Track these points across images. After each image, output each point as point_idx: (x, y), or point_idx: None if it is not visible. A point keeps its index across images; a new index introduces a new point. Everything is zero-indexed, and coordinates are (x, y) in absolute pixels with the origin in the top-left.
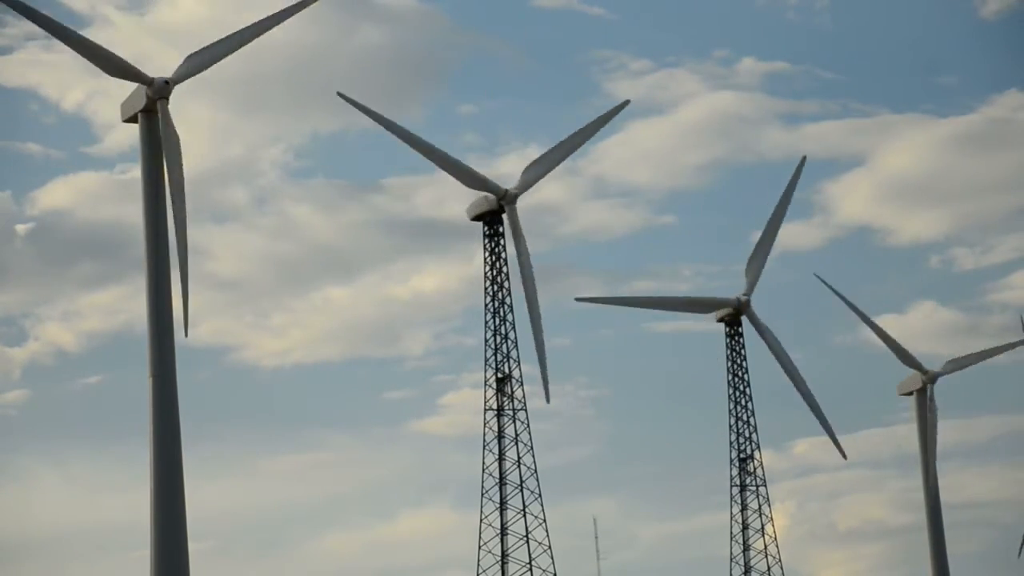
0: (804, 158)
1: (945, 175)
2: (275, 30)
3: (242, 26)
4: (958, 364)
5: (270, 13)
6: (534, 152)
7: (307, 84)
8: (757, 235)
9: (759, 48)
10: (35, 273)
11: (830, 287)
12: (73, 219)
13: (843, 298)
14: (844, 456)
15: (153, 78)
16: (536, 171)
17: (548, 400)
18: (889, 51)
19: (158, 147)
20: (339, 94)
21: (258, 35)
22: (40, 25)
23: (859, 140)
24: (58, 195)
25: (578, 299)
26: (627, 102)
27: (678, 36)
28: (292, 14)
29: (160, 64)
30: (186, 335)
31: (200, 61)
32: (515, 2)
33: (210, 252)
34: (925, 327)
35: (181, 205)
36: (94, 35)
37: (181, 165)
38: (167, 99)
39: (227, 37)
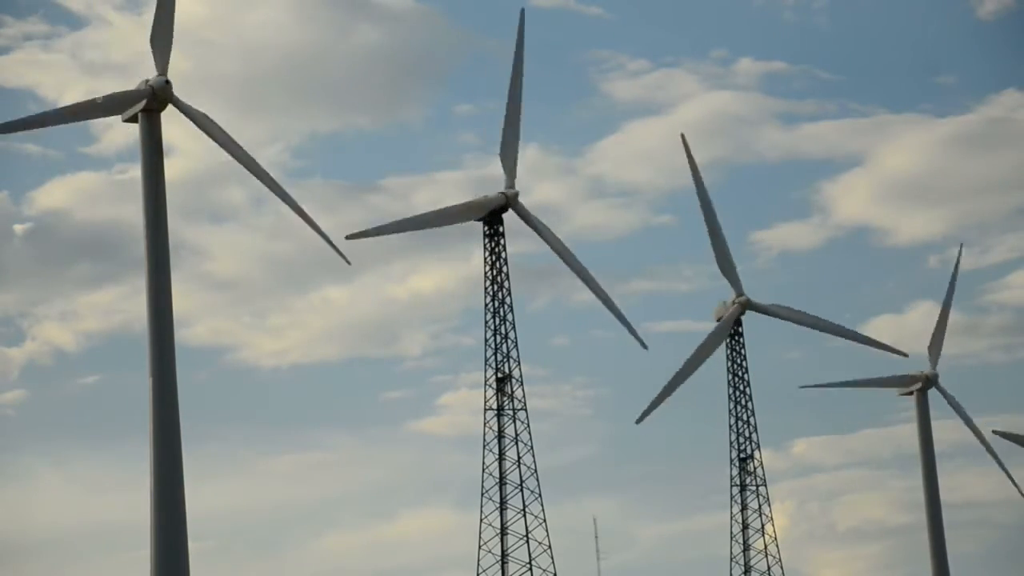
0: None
1: (943, 175)
2: (272, 31)
3: (248, 29)
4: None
5: (269, 14)
6: (532, 152)
7: (305, 84)
8: (756, 235)
9: (757, 48)
10: (33, 273)
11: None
12: (71, 219)
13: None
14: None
15: (151, 81)
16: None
17: (645, 346)
18: (887, 51)
19: (158, 146)
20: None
21: None
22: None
23: (857, 140)
24: (56, 195)
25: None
26: None
27: (676, 36)
28: None
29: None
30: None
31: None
32: (512, 1)
33: (208, 252)
34: (924, 327)
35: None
36: (92, 35)
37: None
38: (169, 99)
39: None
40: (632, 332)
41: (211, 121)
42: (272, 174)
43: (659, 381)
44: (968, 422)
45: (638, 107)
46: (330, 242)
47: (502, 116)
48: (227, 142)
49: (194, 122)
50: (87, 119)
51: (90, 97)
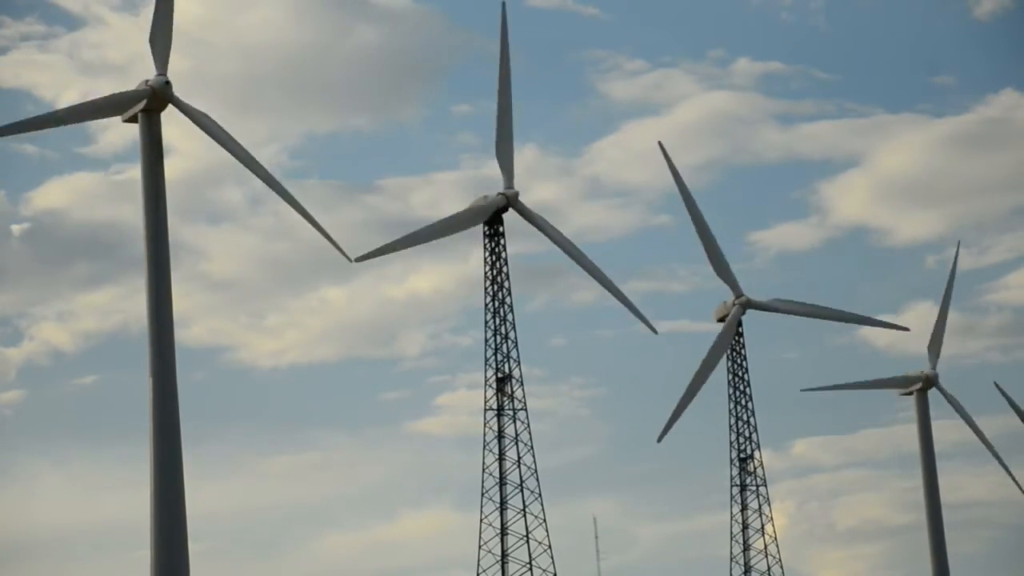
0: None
1: (941, 175)
2: (270, 31)
3: (245, 29)
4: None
5: (267, 14)
6: (530, 152)
7: (303, 85)
8: (754, 235)
9: (754, 48)
10: (30, 273)
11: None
12: (68, 219)
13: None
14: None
15: (152, 81)
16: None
17: (655, 330)
18: (884, 51)
19: (158, 146)
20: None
21: None
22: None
23: (855, 140)
24: (53, 195)
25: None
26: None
27: (673, 36)
28: None
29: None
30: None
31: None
32: (511, 2)
33: (205, 252)
34: (922, 327)
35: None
36: (89, 35)
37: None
38: (169, 99)
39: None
40: (642, 319)
41: (211, 120)
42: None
43: (658, 381)
44: (969, 422)
45: (636, 107)
46: (330, 239)
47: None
48: (227, 140)
49: (194, 121)
50: (89, 119)
51: (87, 98)
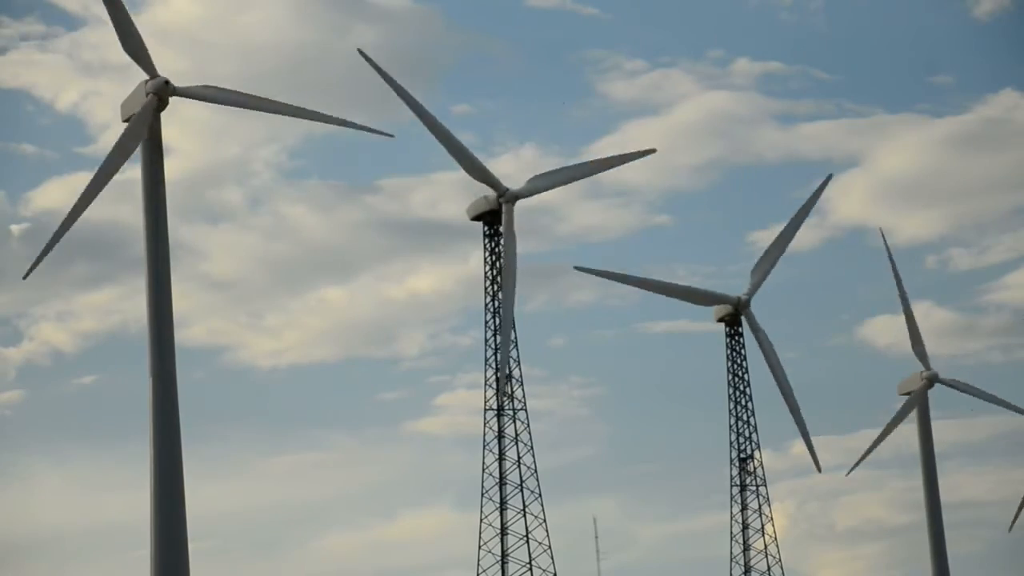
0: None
1: (941, 175)
2: (269, 30)
3: (244, 29)
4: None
5: (266, 14)
6: (529, 152)
7: (302, 84)
8: (753, 235)
9: (753, 48)
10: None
11: None
12: None
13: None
14: (819, 469)
15: (163, 78)
16: (544, 182)
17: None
18: (884, 51)
19: (158, 147)
20: (360, 52)
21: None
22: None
23: (854, 140)
24: (53, 195)
25: (577, 268)
26: (653, 150)
27: (672, 36)
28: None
29: (156, 64)
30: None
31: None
32: (510, 2)
33: (204, 252)
34: (921, 327)
35: None
36: (88, 35)
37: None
38: (168, 100)
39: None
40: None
41: (217, 89)
42: (268, 175)
43: (658, 381)
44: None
45: (635, 107)
46: (367, 128)
47: (500, 117)
48: (240, 98)
49: (202, 99)
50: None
51: (86, 98)
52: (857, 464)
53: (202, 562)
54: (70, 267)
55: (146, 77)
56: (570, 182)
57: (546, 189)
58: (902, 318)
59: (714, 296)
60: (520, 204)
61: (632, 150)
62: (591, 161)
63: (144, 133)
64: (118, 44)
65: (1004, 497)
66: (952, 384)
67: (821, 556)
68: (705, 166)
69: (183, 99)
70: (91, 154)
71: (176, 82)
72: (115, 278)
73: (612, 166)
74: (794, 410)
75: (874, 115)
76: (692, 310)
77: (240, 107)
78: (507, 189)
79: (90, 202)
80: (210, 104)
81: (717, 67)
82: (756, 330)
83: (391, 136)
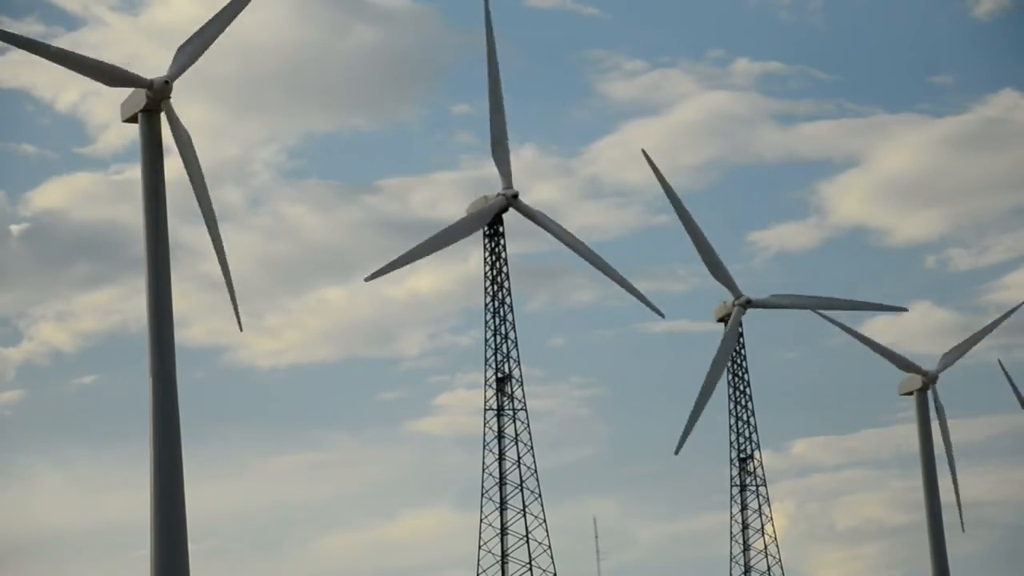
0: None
1: (940, 175)
2: (269, 30)
3: (243, 29)
4: (948, 360)
5: (265, 14)
6: (529, 152)
7: (302, 85)
8: (753, 235)
9: (753, 48)
10: (30, 273)
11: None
12: (68, 220)
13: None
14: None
15: (152, 79)
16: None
17: (662, 314)
18: (883, 51)
19: (158, 147)
20: (643, 152)
21: (237, 12)
22: (26, 48)
23: (854, 140)
24: (52, 196)
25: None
26: None
27: (672, 36)
28: None
29: (154, 64)
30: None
31: (191, 51)
32: (509, 2)
33: (204, 252)
34: (921, 328)
35: (208, 201)
36: (88, 36)
37: (198, 161)
38: (169, 99)
39: (207, 23)
40: (649, 304)
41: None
42: (268, 175)
43: (658, 381)
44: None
45: (635, 107)
46: None
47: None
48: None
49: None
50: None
51: (86, 99)
52: None
53: (202, 562)
54: (70, 267)
55: (149, 75)
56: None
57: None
58: (900, 319)
59: (729, 280)
60: (523, 202)
61: (632, 151)
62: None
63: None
64: (118, 44)
65: (1004, 497)
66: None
67: (821, 556)
68: (705, 166)
69: (182, 100)
70: (90, 154)
71: (177, 82)
72: (115, 278)
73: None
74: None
75: (874, 115)
76: (692, 310)
77: (212, 42)
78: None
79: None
80: (210, 105)
81: (717, 67)
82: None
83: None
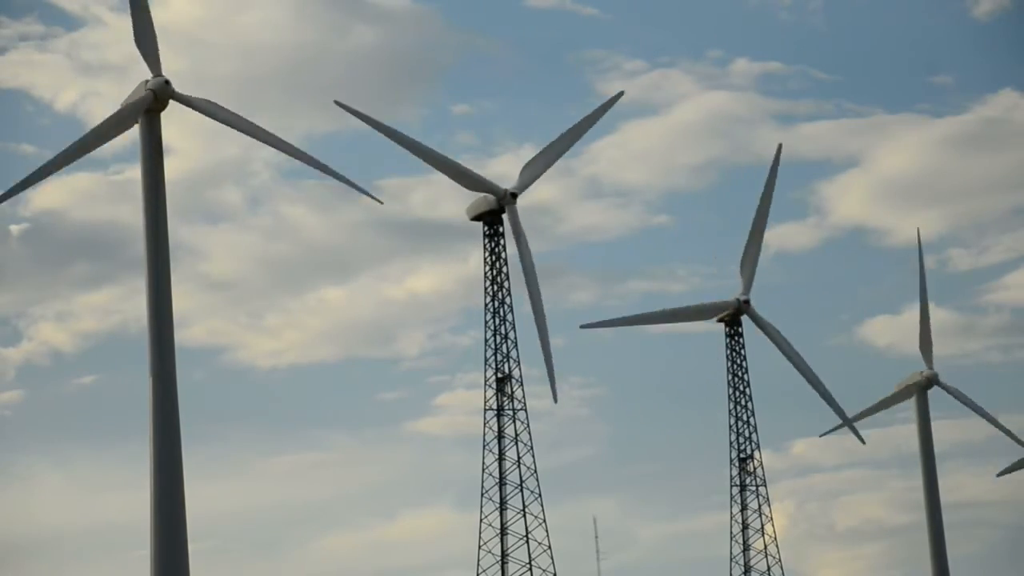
0: (780, 146)
1: (940, 175)
2: (268, 31)
3: (243, 29)
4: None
5: (265, 14)
6: (528, 152)
7: (301, 85)
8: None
9: (753, 48)
10: (29, 273)
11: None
12: (67, 220)
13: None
14: (863, 441)
15: (163, 78)
16: (533, 170)
17: (556, 400)
18: (883, 51)
19: (158, 147)
20: (336, 102)
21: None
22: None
23: (853, 140)
24: (52, 196)
25: (583, 327)
26: (621, 93)
27: (672, 36)
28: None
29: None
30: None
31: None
32: (509, 2)
33: (204, 253)
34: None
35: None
36: (88, 36)
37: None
38: (167, 102)
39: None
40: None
41: (216, 105)
42: (268, 175)
43: (658, 381)
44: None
45: (634, 107)
46: (360, 189)
47: (499, 117)
48: (236, 120)
49: (199, 111)
50: (100, 143)
51: (85, 99)
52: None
53: (202, 562)
54: (70, 267)
55: (148, 76)
56: (558, 157)
57: (537, 176)
58: (899, 319)
59: (714, 307)
60: (520, 205)
61: (632, 151)
62: (569, 130)
63: (134, 121)
64: (117, 44)
65: (1004, 497)
66: (950, 391)
67: (821, 556)
68: (705, 166)
69: (183, 96)
70: (90, 154)
71: (175, 82)
72: (114, 278)
73: (584, 131)
74: (820, 391)
75: (874, 115)
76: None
77: (229, 126)
78: (505, 191)
79: (67, 163)
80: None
81: (716, 67)
82: (764, 326)
83: (380, 202)
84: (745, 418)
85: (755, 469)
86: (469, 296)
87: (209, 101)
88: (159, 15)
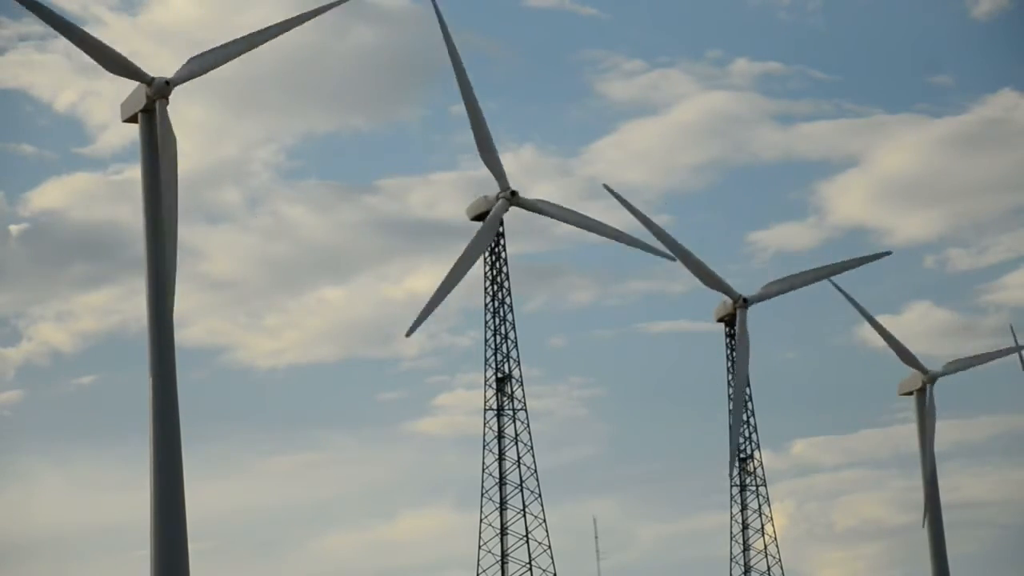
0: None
1: (940, 175)
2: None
3: (243, 30)
4: (958, 365)
5: (265, 14)
6: (528, 152)
7: (301, 85)
8: (753, 235)
9: (752, 48)
10: (29, 274)
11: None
12: (67, 220)
13: (848, 297)
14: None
15: (153, 77)
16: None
17: (408, 334)
18: (883, 51)
19: (158, 147)
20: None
21: (265, 40)
22: (43, 18)
23: (853, 140)
24: (52, 196)
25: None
26: None
27: (671, 36)
28: (305, 20)
29: (153, 64)
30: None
31: (202, 63)
32: (509, 2)
33: (203, 253)
34: (920, 328)
35: (173, 204)
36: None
37: (176, 166)
38: (167, 99)
39: (232, 41)
40: (662, 253)
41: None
42: (267, 175)
43: (658, 381)
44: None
45: (634, 107)
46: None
47: (499, 117)
48: (225, 53)
49: (197, 75)
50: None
51: (85, 99)
52: None
53: (202, 562)
54: (69, 267)
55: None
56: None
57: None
58: (899, 319)
59: (722, 284)
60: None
61: (631, 151)
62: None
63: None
64: (117, 44)
65: (1004, 497)
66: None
67: (821, 556)
68: (704, 166)
69: (181, 99)
70: (90, 154)
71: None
72: (114, 278)
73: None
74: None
75: (873, 115)
76: (692, 310)
77: (227, 61)
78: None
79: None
80: (209, 105)
81: (716, 67)
82: (742, 332)
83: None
84: (745, 418)
85: (755, 469)
86: (469, 296)
87: (195, 56)
88: (160, 15)
